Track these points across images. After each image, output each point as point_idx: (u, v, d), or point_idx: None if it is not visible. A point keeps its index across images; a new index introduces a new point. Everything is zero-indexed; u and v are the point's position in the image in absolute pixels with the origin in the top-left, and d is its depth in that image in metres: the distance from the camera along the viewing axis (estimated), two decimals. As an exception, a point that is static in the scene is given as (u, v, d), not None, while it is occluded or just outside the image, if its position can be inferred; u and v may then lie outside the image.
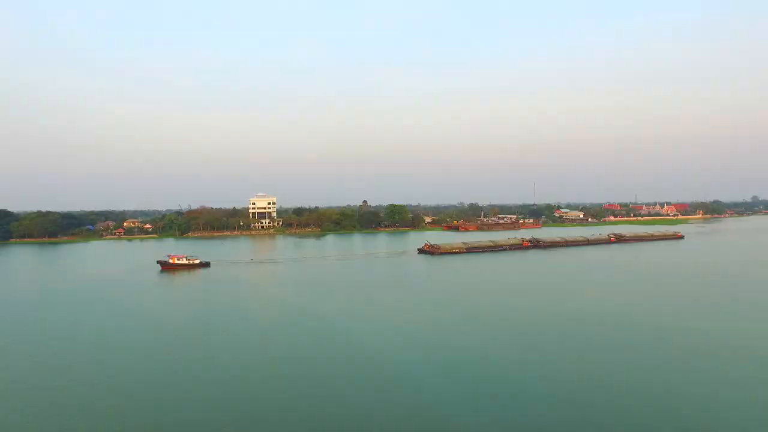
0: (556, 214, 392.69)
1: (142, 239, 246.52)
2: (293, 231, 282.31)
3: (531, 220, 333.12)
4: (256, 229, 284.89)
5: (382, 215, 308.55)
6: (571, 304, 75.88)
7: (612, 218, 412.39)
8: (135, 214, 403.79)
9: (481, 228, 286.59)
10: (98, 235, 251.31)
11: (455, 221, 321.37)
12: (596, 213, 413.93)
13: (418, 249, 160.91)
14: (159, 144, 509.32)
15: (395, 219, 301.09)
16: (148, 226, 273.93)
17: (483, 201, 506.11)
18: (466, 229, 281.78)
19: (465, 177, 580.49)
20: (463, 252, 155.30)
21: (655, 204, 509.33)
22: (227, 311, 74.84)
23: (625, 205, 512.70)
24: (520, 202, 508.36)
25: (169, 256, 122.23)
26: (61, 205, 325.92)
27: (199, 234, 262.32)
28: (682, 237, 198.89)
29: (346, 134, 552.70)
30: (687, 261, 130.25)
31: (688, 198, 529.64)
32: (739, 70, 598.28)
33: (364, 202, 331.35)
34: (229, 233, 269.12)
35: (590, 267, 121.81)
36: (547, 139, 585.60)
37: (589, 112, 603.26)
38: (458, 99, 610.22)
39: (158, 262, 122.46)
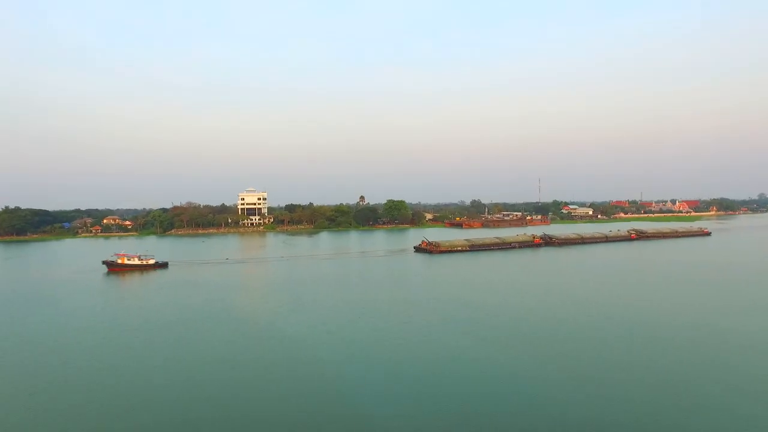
0: (564, 211, 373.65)
1: (120, 237, 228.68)
2: (284, 228, 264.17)
3: (539, 217, 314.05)
4: (246, 227, 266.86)
5: (380, 211, 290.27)
6: (610, 311, 57.55)
7: (622, 215, 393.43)
8: (127, 213, 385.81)
9: (486, 225, 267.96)
10: (73, 232, 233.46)
11: (458, 218, 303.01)
12: (605, 210, 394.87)
13: (414, 247, 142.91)
14: (157, 143, 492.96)
15: (394, 215, 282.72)
16: (127, 223, 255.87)
17: (484, 200, 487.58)
18: (470, 226, 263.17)
19: (464, 176, 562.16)
20: (467, 250, 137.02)
21: (664, 201, 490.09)
22: (157, 327, 56.63)
23: (633, 202, 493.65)
24: (522, 201, 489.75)
25: (118, 256, 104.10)
26: (61, 205, 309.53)
27: (182, 232, 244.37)
28: (709, 234, 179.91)
29: (346, 133, 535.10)
30: (721, 260, 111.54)
31: (692, 195, 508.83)
32: (741, 69, 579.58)
33: (361, 197, 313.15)
34: (215, 231, 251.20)
35: (616, 266, 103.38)
36: (547, 138, 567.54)
37: (590, 110, 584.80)
38: (458, 98, 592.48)
39: (104, 262, 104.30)
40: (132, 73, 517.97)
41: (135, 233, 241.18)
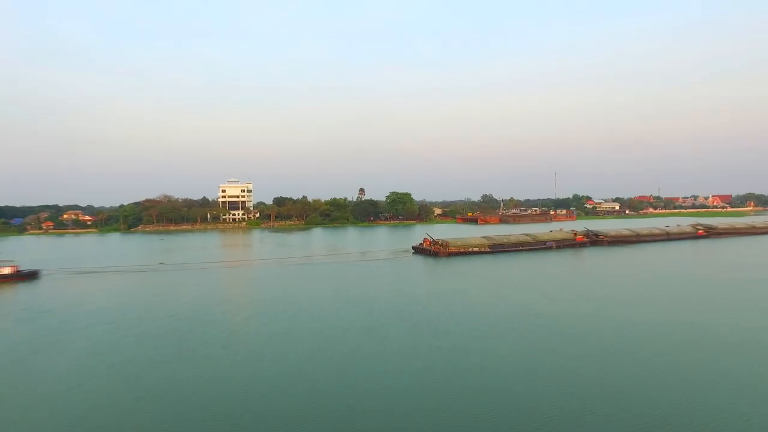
0: (588, 206, 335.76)
1: (77, 234, 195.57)
2: (271, 224, 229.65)
3: (563, 212, 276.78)
4: (227, 222, 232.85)
5: (382, 206, 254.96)
6: None
7: (652, 210, 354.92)
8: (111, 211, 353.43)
9: (504, 220, 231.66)
10: (20, 230, 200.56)
11: (470, 213, 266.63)
12: (633, 205, 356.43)
13: (413, 247, 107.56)
14: (157, 142, 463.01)
15: (398, 210, 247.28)
16: (87, 218, 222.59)
17: (494, 196, 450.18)
18: (486, 222, 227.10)
19: (469, 173, 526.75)
20: (486, 251, 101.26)
21: (694, 196, 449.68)
22: None
23: (658, 198, 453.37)
24: (530, 197, 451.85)
25: (-44, 264, 70.18)
26: (68, 201, 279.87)
27: (151, 228, 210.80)
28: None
29: (347, 131, 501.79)
30: None
31: (711, 191, 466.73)
32: (748, 64, 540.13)
33: (361, 190, 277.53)
34: (189, 227, 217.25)
35: (709, 275, 67.12)
36: (550, 136, 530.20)
37: (593, 108, 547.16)
38: (461, 96, 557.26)
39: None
40: (132, 72, 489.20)
41: (94, 230, 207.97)
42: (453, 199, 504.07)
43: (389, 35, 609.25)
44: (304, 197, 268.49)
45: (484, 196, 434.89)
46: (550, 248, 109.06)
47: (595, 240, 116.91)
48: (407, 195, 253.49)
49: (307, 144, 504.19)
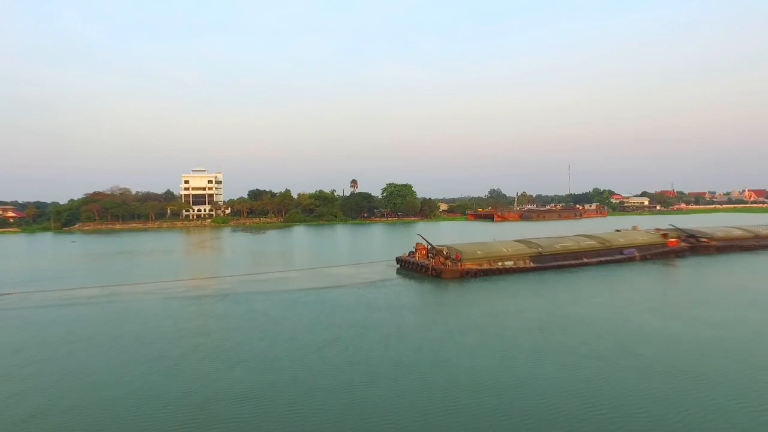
0: (613, 200, 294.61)
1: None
2: (242, 221, 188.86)
3: (593, 207, 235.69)
4: (190, 219, 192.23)
5: (378, 200, 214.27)
6: None
7: (684, 206, 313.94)
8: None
9: (526, 217, 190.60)
10: None
11: (480, 209, 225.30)
12: (662, 200, 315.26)
13: (398, 259, 65.94)
14: (156, 141, 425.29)
15: (396, 204, 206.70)
16: (11, 214, 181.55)
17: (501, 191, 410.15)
18: (504, 219, 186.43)
19: (473, 170, 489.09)
20: (527, 268, 59.00)
21: (728, 192, 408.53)
22: None
23: (681, 193, 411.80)
24: (543, 192, 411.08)
25: None
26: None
27: (91, 226, 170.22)
28: None
29: (346, 129, 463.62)
30: None
31: (728, 187, 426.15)
32: (753, 61, 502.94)
33: (353, 182, 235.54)
34: (140, 225, 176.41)
35: None
36: (556, 132, 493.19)
37: (596, 105, 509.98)
38: (460, 93, 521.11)
39: None
40: (130, 70, 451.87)
41: (16, 229, 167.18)
42: (456, 196, 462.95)
43: (391, 32, 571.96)
44: (287, 190, 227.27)
45: (492, 191, 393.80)
46: (631, 259, 68.22)
47: (696, 245, 76.13)
48: (407, 187, 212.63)
49: (306, 141, 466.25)
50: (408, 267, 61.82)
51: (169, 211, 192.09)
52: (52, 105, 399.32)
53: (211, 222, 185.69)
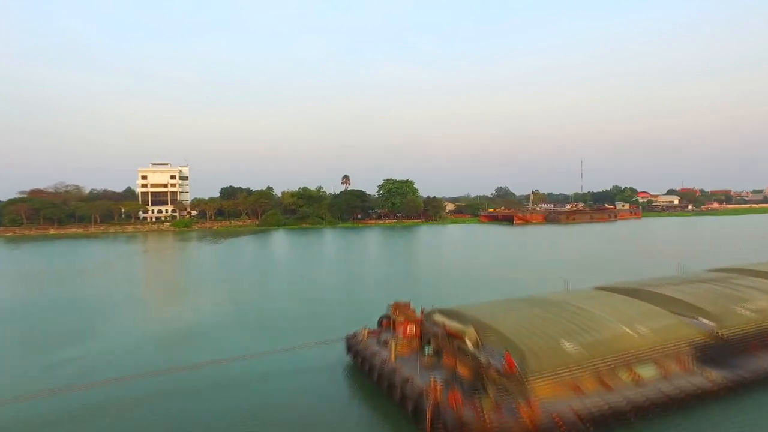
0: (640, 199, 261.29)
1: None
2: (209, 225, 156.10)
3: (626, 206, 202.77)
4: (148, 222, 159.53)
5: (374, 198, 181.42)
6: None
7: (716, 205, 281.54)
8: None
9: (553, 219, 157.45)
10: None
11: (492, 209, 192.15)
12: (694, 199, 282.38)
13: (348, 343, 27.98)
14: (155, 140, 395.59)
15: (395, 204, 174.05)
16: None
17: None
18: (525, 221, 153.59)
19: (471, 170, 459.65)
20: (699, 390, 21.67)
21: (739, 190, 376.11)
22: None
23: (703, 191, 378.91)
24: (548, 191, 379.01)
25: None
26: None
27: (17, 232, 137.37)
28: None
29: (344, 129, 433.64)
30: None
31: (743, 186, 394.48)
32: (751, 62, 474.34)
33: (345, 178, 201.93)
34: (81, 229, 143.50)
35: None
36: (556, 132, 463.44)
37: (597, 104, 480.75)
38: (461, 93, 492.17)
39: None
40: (129, 69, 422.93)
41: None
42: (457, 195, 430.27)
43: (391, 32, 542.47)
44: (269, 188, 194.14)
45: (499, 189, 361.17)
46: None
47: None
48: (408, 183, 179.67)
49: (306, 141, 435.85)
50: (370, 375, 24.84)
51: (123, 212, 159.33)
52: (52, 105, 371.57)
53: (171, 226, 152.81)
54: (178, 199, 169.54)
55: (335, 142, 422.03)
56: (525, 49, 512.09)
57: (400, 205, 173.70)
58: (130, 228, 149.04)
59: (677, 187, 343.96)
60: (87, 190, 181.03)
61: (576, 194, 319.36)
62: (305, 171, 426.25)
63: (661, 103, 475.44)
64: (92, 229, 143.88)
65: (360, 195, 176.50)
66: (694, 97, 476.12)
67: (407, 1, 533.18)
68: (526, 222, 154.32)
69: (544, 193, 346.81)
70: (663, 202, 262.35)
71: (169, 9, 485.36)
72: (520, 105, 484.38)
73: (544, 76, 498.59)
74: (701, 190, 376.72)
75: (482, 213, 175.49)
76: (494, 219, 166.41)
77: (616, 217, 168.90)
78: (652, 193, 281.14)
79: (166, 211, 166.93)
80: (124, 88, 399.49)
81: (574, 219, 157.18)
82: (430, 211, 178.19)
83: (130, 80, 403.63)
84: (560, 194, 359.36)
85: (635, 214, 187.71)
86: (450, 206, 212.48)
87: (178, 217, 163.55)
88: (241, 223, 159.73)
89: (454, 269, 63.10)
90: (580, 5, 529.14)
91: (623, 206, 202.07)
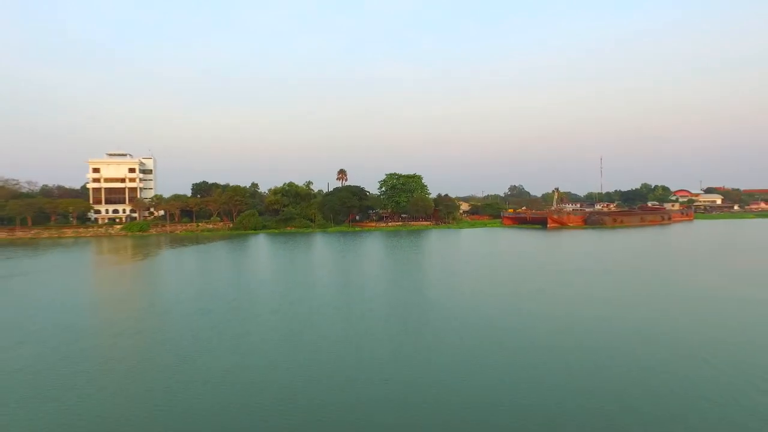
0: (680, 198, 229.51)
1: None
2: (171, 228, 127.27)
3: (676, 207, 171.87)
4: (98, 224, 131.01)
5: (375, 197, 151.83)
6: None
7: (765, 205, 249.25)
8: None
9: (594, 221, 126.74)
10: None
11: (511, 209, 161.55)
12: (739, 198, 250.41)
13: None
14: (156, 140, 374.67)
15: (400, 203, 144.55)
16: None
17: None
18: (562, 224, 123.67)
19: (474, 170, 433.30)
20: None
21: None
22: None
23: (736, 190, 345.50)
24: (563, 189, 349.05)
25: None
26: None
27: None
28: None
29: (343, 129, 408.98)
30: None
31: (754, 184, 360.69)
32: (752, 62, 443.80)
33: (341, 172, 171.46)
34: (6, 235, 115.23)
35: None
36: (558, 132, 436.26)
37: (598, 103, 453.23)
38: (462, 92, 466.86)
39: None
40: (132, 70, 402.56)
41: None
42: (465, 195, 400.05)
43: (391, 32, 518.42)
44: (254, 184, 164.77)
45: (513, 188, 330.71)
46: None
47: None
48: (416, 178, 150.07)
49: (305, 139, 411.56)
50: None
51: (71, 212, 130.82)
52: (52, 105, 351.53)
53: (122, 230, 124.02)
54: (139, 196, 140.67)
55: (335, 141, 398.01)
56: (525, 49, 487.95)
57: (405, 205, 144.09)
58: (69, 232, 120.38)
59: (696, 184, 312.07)
60: (39, 185, 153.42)
61: (600, 193, 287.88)
62: (305, 171, 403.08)
63: (662, 103, 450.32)
64: (19, 234, 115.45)
65: (358, 192, 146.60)
66: (693, 97, 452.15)
67: (407, 1, 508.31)
68: (562, 225, 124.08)
69: (564, 192, 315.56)
70: (705, 201, 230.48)
71: (169, 9, 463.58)
72: (520, 104, 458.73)
73: (543, 77, 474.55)
74: (734, 189, 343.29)
75: (505, 214, 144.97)
76: (522, 222, 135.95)
77: (670, 218, 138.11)
78: (692, 192, 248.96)
79: (124, 211, 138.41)
80: (124, 87, 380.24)
81: (621, 222, 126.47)
82: (442, 211, 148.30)
83: (130, 80, 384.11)
84: (568, 192, 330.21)
85: (687, 215, 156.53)
86: (464, 206, 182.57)
87: (138, 218, 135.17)
88: (211, 225, 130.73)
89: (468, 258, 33.36)
90: (580, 5, 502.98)
91: (672, 206, 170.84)
